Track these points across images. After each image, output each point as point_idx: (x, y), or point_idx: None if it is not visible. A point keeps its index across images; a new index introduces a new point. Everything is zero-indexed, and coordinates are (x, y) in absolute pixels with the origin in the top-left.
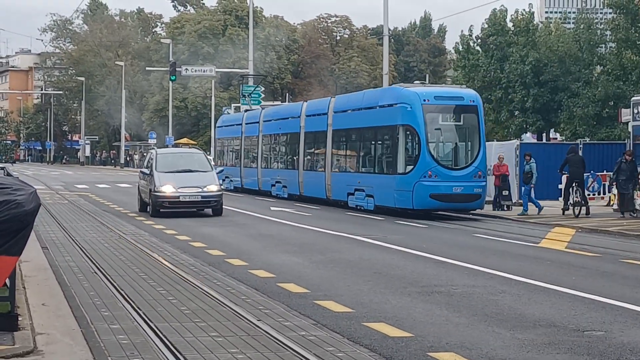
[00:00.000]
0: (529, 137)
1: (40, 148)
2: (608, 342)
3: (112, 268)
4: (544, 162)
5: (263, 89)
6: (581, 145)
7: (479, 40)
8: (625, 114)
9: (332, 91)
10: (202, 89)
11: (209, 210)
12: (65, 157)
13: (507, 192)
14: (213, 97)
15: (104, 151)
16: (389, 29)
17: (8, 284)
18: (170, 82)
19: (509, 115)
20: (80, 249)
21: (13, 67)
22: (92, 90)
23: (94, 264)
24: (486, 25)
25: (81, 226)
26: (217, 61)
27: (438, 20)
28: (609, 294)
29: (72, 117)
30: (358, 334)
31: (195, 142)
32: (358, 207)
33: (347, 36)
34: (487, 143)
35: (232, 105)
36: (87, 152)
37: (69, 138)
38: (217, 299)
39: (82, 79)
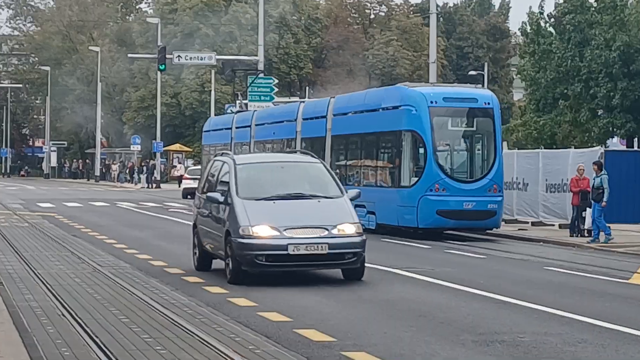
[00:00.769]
0: (616, 143)
1: None
2: None
3: (84, 309)
4: (633, 175)
5: (276, 81)
6: None
7: (553, 20)
8: None
9: (364, 84)
10: (198, 82)
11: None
12: (25, 167)
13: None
14: (213, 92)
15: (74, 160)
16: (437, 5)
17: None
18: (159, 72)
19: (591, 116)
20: (45, 284)
21: None
22: (59, 83)
23: (61, 303)
24: (561, 1)
25: (45, 256)
26: (218, 46)
27: None
28: None
29: (35, 117)
30: None
31: (191, 149)
32: None
33: (383, 14)
34: (563, 150)
35: (238, 102)
36: (53, 162)
37: (30, 144)
38: (218, 350)
39: (47, 68)
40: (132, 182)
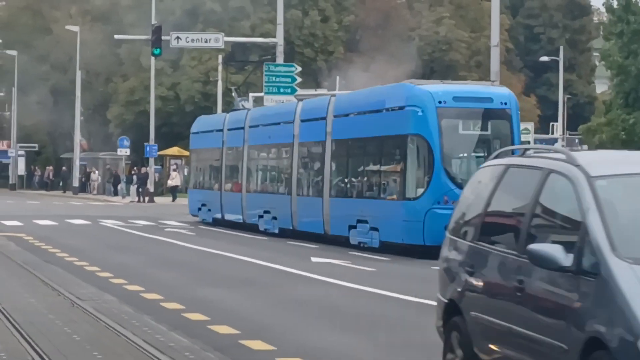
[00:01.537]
0: None
1: None
2: None
3: (60, 354)
4: None
5: (299, 69)
6: None
7: None
8: None
9: (408, 72)
10: (202, 70)
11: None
12: None
13: None
14: (220, 83)
15: (46, 167)
16: None
17: None
18: (153, 57)
19: None
20: (11, 322)
21: None
22: (29, 72)
23: (32, 346)
24: None
25: (12, 286)
26: (226, 25)
27: None
28: None
29: None
30: None
31: None
32: (361, 245)
33: None
34: None
35: (250, 94)
36: (22, 169)
37: None
38: None
39: (14, 53)
40: (116, 195)
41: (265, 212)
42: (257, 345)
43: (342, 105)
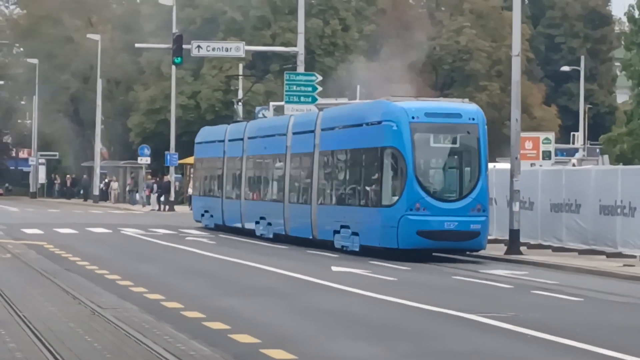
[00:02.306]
0: None
1: None
2: None
3: None
4: None
5: (320, 78)
6: None
7: None
8: None
9: (430, 82)
10: (222, 79)
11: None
12: (6, 185)
13: None
14: (240, 91)
15: (67, 176)
16: None
17: None
18: (174, 66)
19: None
20: (32, 330)
21: None
22: (50, 80)
23: (52, 355)
24: None
25: (32, 295)
26: (247, 34)
27: None
28: None
29: (19, 121)
30: None
31: None
32: (344, 248)
33: None
34: None
35: (271, 103)
36: (42, 178)
37: (13, 155)
38: None
39: (35, 61)
40: (128, 202)
41: (262, 218)
42: (277, 354)
43: (328, 120)
